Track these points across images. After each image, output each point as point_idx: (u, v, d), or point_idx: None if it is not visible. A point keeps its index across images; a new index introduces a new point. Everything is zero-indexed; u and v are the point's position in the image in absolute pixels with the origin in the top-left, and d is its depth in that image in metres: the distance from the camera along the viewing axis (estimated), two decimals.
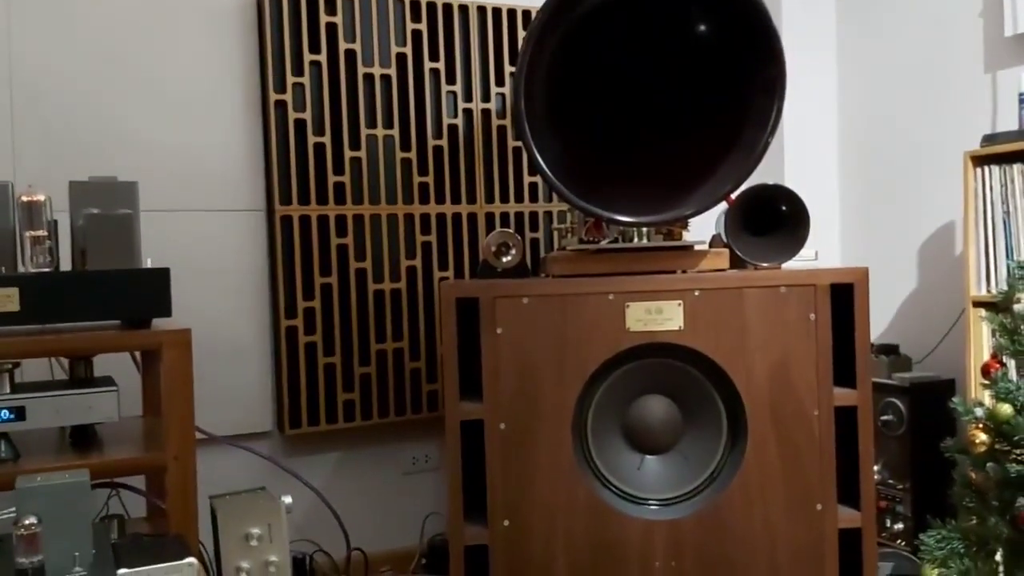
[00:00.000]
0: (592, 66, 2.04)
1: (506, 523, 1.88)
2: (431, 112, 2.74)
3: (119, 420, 1.77)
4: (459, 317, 1.90)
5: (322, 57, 2.59)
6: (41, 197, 1.76)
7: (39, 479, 1.33)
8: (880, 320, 2.95)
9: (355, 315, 2.64)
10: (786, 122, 2.90)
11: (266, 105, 2.56)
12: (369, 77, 2.66)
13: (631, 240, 2.05)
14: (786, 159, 3.08)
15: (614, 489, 1.93)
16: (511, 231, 2.25)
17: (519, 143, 2.82)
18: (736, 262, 2.08)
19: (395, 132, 2.70)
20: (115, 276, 1.75)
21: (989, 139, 2.41)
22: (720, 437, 1.94)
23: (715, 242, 2.15)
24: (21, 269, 1.76)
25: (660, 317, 1.90)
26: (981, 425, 1.89)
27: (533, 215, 2.90)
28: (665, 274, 1.98)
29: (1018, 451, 1.85)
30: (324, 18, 2.58)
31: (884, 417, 2.59)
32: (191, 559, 1.30)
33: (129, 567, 1.26)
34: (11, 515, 1.32)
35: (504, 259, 2.15)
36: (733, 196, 1.99)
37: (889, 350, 2.75)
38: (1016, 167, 2.32)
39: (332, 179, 2.61)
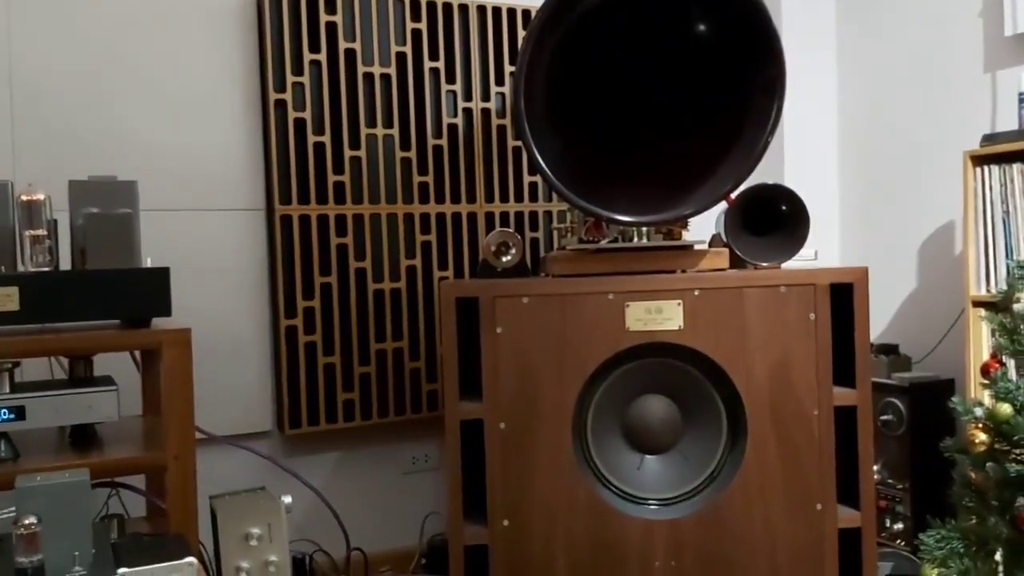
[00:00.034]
0: (592, 66, 2.04)
1: (506, 523, 1.88)
2: (431, 111, 2.74)
3: (119, 420, 1.77)
4: (459, 317, 1.90)
5: (322, 56, 2.59)
6: (41, 196, 1.76)
7: (39, 478, 1.33)
8: (880, 320, 2.95)
9: (355, 315, 2.64)
10: (786, 122, 2.91)
11: (266, 104, 2.56)
12: (369, 76, 2.66)
13: (631, 240, 2.05)
14: (786, 159, 3.08)
15: (614, 489, 1.93)
16: (511, 231, 2.25)
17: (519, 143, 2.82)
18: (736, 262, 2.08)
19: (395, 131, 2.70)
20: (115, 275, 1.74)
21: (989, 139, 2.41)
22: (720, 437, 1.94)
23: (715, 242, 2.15)
24: (21, 268, 1.76)
25: (660, 317, 1.90)
26: (981, 425, 1.89)
27: (533, 215, 2.90)
28: (665, 274, 1.98)
29: (1018, 451, 1.85)
30: (324, 17, 2.58)
31: (884, 417, 2.59)
32: (191, 559, 1.30)
33: (129, 566, 1.26)
34: (11, 514, 1.32)
35: (504, 259, 2.15)
36: (733, 196, 1.99)
37: (889, 350, 2.75)
38: (1016, 167, 2.32)
39: (332, 178, 2.61)
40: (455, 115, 2.79)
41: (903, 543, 2.55)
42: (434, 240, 2.76)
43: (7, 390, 1.69)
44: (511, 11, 2.85)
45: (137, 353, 2.10)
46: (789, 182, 2.68)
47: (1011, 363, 2.03)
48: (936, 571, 1.92)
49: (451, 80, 2.77)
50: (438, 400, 2.74)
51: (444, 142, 2.77)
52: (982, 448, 1.88)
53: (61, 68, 2.36)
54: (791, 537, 1.91)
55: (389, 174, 2.69)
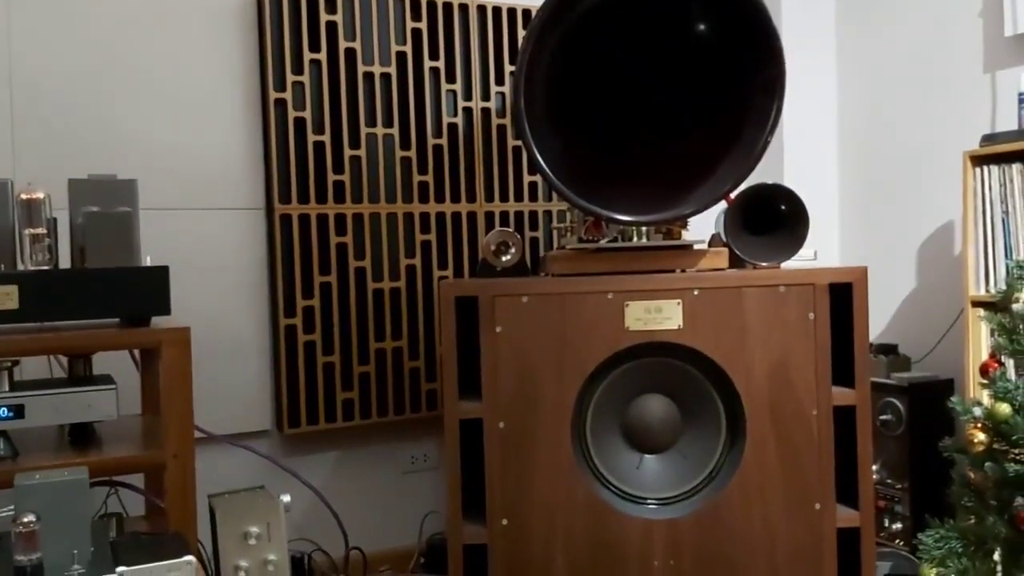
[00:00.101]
0: (592, 65, 2.04)
1: (505, 522, 1.88)
2: (431, 111, 2.74)
3: (118, 418, 1.77)
4: (458, 316, 1.90)
5: (322, 56, 2.59)
6: (40, 195, 1.76)
7: (38, 477, 1.33)
8: (879, 320, 2.95)
9: (354, 314, 2.65)
10: (786, 122, 2.91)
11: (266, 104, 2.56)
12: (369, 76, 2.66)
13: (630, 239, 2.05)
14: (786, 159, 3.08)
15: (613, 488, 1.93)
16: (510, 230, 2.25)
17: (519, 142, 2.82)
18: (735, 261, 2.08)
19: (395, 131, 2.70)
20: (114, 274, 1.74)
21: (988, 139, 2.41)
22: (719, 436, 1.94)
23: (714, 241, 2.15)
24: (20, 267, 1.76)
25: (659, 316, 1.90)
26: (979, 425, 1.89)
27: (533, 214, 2.90)
28: (664, 273, 1.98)
29: (1016, 450, 1.84)
30: (324, 17, 2.58)
31: (883, 417, 2.59)
32: (190, 557, 1.30)
33: (128, 565, 1.26)
34: (9, 513, 1.32)
35: (503, 258, 2.15)
36: (732, 195, 2.00)
37: (888, 350, 2.75)
38: (1015, 167, 2.32)
39: (332, 178, 2.61)
40: (455, 115, 2.79)
41: (902, 543, 2.55)
42: (434, 239, 2.76)
43: (6, 388, 1.69)
44: (511, 11, 2.85)
45: (136, 352, 2.10)
46: (789, 182, 2.68)
47: (1010, 363, 2.03)
48: (935, 571, 1.92)
49: (451, 80, 2.77)
50: (437, 399, 2.75)
51: (444, 141, 2.77)
52: (981, 448, 1.88)
53: (61, 68, 2.36)
54: (790, 537, 1.91)
55: (389, 173, 2.69)
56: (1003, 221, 2.34)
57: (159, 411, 1.77)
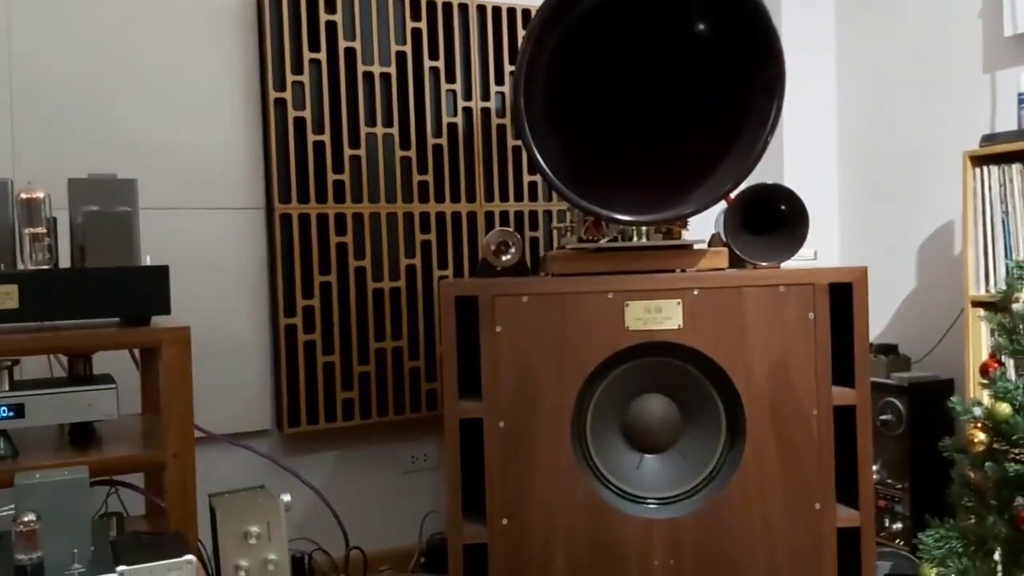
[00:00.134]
0: (592, 65, 2.04)
1: (505, 522, 1.88)
2: (431, 111, 2.74)
3: (118, 418, 1.77)
4: (458, 316, 1.90)
5: (322, 56, 2.59)
6: (40, 194, 1.76)
7: (38, 476, 1.33)
8: (879, 320, 2.95)
9: (354, 314, 2.65)
10: (786, 122, 2.91)
11: (266, 103, 2.56)
12: (369, 75, 2.66)
13: (630, 239, 2.05)
14: (786, 159, 3.08)
15: (613, 488, 1.93)
16: (510, 230, 2.25)
17: (519, 142, 2.82)
18: (735, 261, 2.08)
19: (395, 130, 2.70)
20: (114, 273, 1.75)
21: (988, 139, 2.41)
22: (719, 436, 1.94)
23: (714, 241, 2.15)
24: (20, 266, 1.76)
25: (659, 316, 1.90)
26: (979, 424, 1.89)
27: (533, 214, 2.90)
28: (664, 273, 1.98)
29: (1016, 450, 1.84)
30: (324, 16, 2.58)
31: (883, 417, 2.60)
32: (190, 556, 1.30)
33: (128, 564, 1.26)
34: (10, 512, 1.32)
35: (503, 258, 2.15)
36: (732, 195, 2.00)
37: (888, 350, 2.75)
38: (1015, 167, 2.32)
39: (332, 177, 2.62)
40: (455, 114, 2.79)
41: (902, 543, 2.55)
42: (434, 239, 2.76)
43: (6, 388, 1.69)
44: (511, 11, 2.85)
45: (136, 351, 2.10)
46: (789, 182, 2.68)
47: (1010, 363, 2.03)
48: (935, 570, 1.92)
49: (451, 79, 2.77)
50: (437, 399, 2.75)
51: (444, 141, 2.77)
52: (981, 448, 1.88)
53: (61, 68, 2.36)
54: (790, 536, 1.91)
55: (389, 173, 2.69)
56: (1003, 221, 2.34)
57: (159, 411, 1.77)
